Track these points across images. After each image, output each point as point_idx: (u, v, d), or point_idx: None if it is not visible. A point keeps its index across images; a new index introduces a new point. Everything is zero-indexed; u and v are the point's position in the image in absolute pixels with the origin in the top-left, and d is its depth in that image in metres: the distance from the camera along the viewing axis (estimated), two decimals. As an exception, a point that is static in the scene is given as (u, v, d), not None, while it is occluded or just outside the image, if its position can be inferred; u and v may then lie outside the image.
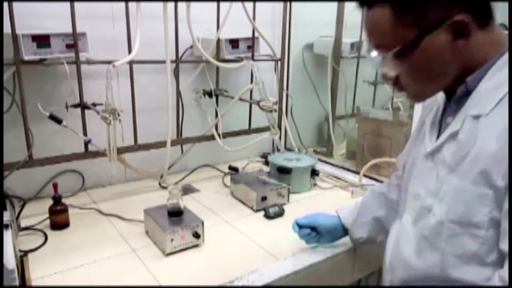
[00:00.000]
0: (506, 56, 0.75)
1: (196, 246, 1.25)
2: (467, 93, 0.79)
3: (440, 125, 0.87)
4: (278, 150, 2.07)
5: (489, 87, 0.75)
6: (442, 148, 0.82)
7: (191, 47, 1.77)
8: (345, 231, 1.21)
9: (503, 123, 0.70)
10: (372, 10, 0.78)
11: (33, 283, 1.05)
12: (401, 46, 0.75)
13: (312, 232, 1.20)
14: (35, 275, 1.10)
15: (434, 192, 0.83)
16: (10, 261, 0.85)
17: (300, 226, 1.21)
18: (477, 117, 0.76)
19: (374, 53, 0.81)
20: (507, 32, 0.80)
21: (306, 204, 1.60)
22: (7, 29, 1.23)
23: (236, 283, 1.07)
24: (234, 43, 1.75)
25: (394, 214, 1.07)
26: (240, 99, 1.76)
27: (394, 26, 0.75)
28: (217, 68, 1.80)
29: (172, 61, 1.54)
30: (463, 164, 0.76)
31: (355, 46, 2.15)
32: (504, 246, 0.70)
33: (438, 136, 0.85)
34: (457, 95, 0.81)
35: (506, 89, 0.72)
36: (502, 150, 0.70)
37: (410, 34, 0.74)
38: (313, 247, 1.24)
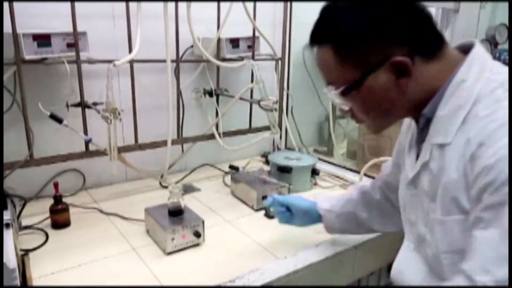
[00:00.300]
0: (455, 80, 0.76)
1: (196, 245, 1.25)
2: (428, 122, 0.81)
3: (418, 149, 0.87)
4: (279, 149, 2.07)
5: (446, 115, 0.77)
6: (420, 176, 0.84)
7: (192, 46, 1.77)
8: (319, 218, 1.22)
9: (461, 150, 0.72)
10: (320, 49, 0.81)
11: (34, 282, 1.06)
12: (346, 85, 0.79)
13: (286, 211, 1.24)
14: (36, 274, 1.10)
15: (424, 220, 0.84)
16: (11, 260, 0.85)
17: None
18: (442, 146, 0.77)
19: (325, 89, 0.84)
20: (457, 52, 0.80)
21: (306, 203, 1.59)
22: (7, 28, 1.23)
23: (237, 282, 1.08)
24: (234, 42, 1.75)
25: (375, 213, 1.13)
26: (241, 99, 1.76)
27: (338, 66, 0.79)
28: (218, 68, 1.80)
29: (172, 61, 1.54)
30: (438, 193, 0.78)
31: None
32: (465, 267, 0.68)
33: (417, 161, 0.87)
34: (419, 127, 0.84)
35: (462, 114, 0.74)
36: (462, 178, 0.71)
37: (354, 74, 0.78)
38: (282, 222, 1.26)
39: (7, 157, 1.36)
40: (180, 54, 1.64)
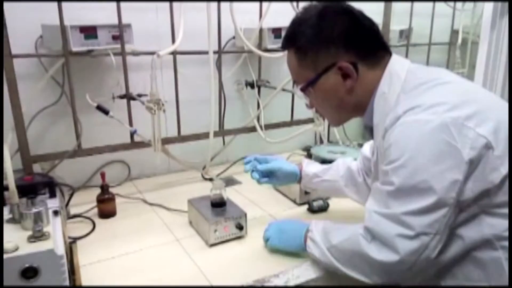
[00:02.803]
0: (378, 92, 0.92)
1: (239, 238, 1.23)
2: (371, 127, 0.97)
3: None
4: (322, 142, 2.01)
5: (377, 122, 0.93)
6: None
7: (233, 37, 1.75)
8: (298, 180, 1.32)
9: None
10: (287, 52, 0.99)
11: (81, 270, 1.08)
12: (304, 83, 0.96)
13: (270, 178, 1.29)
14: (83, 261, 1.12)
15: None
16: (59, 247, 0.87)
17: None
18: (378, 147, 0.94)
19: (297, 87, 1.01)
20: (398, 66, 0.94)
21: (351, 198, 1.54)
22: (55, 21, 1.26)
23: (280, 277, 1.05)
24: (276, 32, 1.71)
25: (354, 190, 1.25)
26: (283, 90, 1.72)
27: (299, 67, 0.96)
28: (259, 58, 1.77)
29: (214, 52, 1.52)
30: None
31: (404, 34, 2.05)
32: (368, 204, 0.89)
33: None
34: (367, 130, 1.02)
35: (384, 122, 0.88)
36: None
37: (310, 74, 0.94)
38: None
39: (57, 147, 1.40)
40: (222, 45, 1.63)
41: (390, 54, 0.96)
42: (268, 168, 1.28)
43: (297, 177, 1.32)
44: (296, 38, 0.95)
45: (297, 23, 0.97)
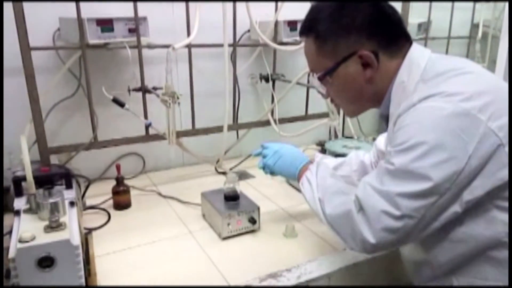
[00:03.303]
0: (397, 81, 0.89)
1: (252, 231, 1.24)
2: (387, 117, 0.94)
3: None
4: (336, 137, 1.99)
5: (395, 111, 0.88)
6: None
7: (248, 30, 1.74)
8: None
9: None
10: (305, 40, 0.95)
11: (96, 260, 1.10)
12: (322, 72, 0.92)
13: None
14: (98, 252, 1.14)
15: None
16: (75, 237, 0.88)
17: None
18: None
19: (313, 76, 0.97)
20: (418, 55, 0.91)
21: (366, 193, 1.52)
22: (73, 14, 1.27)
23: (293, 272, 1.04)
24: (292, 24, 1.69)
25: None
26: (298, 83, 1.71)
27: (317, 55, 0.92)
28: (274, 52, 1.75)
29: (229, 45, 1.52)
30: None
31: (423, 27, 2.00)
32: (365, 176, 0.89)
33: None
34: (383, 120, 0.98)
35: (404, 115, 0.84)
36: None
37: (329, 63, 0.91)
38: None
39: (74, 139, 1.42)
40: (237, 38, 1.62)
41: (410, 43, 0.92)
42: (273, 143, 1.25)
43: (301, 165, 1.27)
44: (315, 25, 0.91)
45: (316, 10, 0.93)
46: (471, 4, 2.16)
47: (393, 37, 0.90)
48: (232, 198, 1.26)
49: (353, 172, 1.26)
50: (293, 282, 1.01)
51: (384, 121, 0.99)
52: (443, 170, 0.76)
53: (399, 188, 0.79)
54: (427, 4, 1.97)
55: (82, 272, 0.89)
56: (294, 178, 1.09)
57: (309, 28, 0.93)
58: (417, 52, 0.90)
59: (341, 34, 0.88)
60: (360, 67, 0.89)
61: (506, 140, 0.76)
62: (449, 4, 2.06)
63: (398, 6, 1.90)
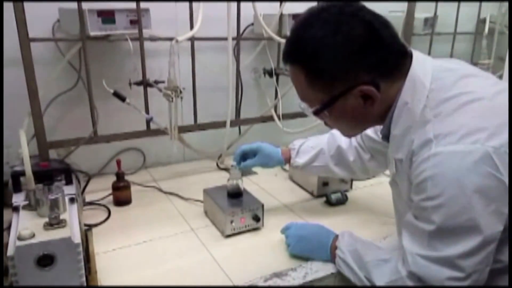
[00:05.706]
0: (399, 103, 0.84)
1: (256, 229, 1.21)
2: (388, 137, 0.91)
3: None
4: (340, 133, 1.96)
5: (399, 134, 0.85)
6: (395, 180, 0.94)
7: (252, 24, 1.70)
8: (279, 162, 1.29)
9: (408, 185, 0.84)
10: (292, 67, 0.85)
11: (97, 258, 1.07)
12: (317, 106, 0.85)
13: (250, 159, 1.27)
14: (98, 249, 1.11)
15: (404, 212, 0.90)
16: (76, 235, 0.85)
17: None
18: (400, 160, 0.87)
19: (302, 104, 0.90)
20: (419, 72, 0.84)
21: (370, 191, 1.50)
22: (72, 4, 1.23)
23: (298, 271, 1.02)
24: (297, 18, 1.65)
25: (345, 170, 1.25)
26: (302, 79, 1.68)
27: (309, 87, 0.84)
28: (279, 46, 1.72)
29: (233, 38, 1.48)
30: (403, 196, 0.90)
31: (429, 22, 1.97)
32: (406, 243, 0.83)
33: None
34: (382, 140, 0.96)
35: (412, 136, 0.82)
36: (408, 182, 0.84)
37: (324, 96, 0.83)
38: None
39: (73, 133, 1.39)
40: (240, 32, 1.59)
41: (410, 57, 0.85)
42: (243, 150, 1.27)
43: (280, 161, 1.29)
44: (304, 57, 0.82)
45: (302, 37, 0.82)
46: (477, -1, 2.12)
47: (393, 61, 0.83)
48: (235, 195, 1.24)
49: (329, 158, 1.25)
50: (299, 281, 0.99)
51: (384, 139, 0.95)
52: (491, 215, 0.73)
53: (455, 250, 0.75)
54: (433, -2, 1.94)
55: (83, 271, 0.86)
56: (328, 259, 1.04)
57: (295, 58, 0.84)
58: (419, 69, 0.84)
59: (337, 69, 0.80)
60: (361, 100, 0.82)
61: None
62: (456, -2, 2.03)
63: (403, 4, 1.87)
